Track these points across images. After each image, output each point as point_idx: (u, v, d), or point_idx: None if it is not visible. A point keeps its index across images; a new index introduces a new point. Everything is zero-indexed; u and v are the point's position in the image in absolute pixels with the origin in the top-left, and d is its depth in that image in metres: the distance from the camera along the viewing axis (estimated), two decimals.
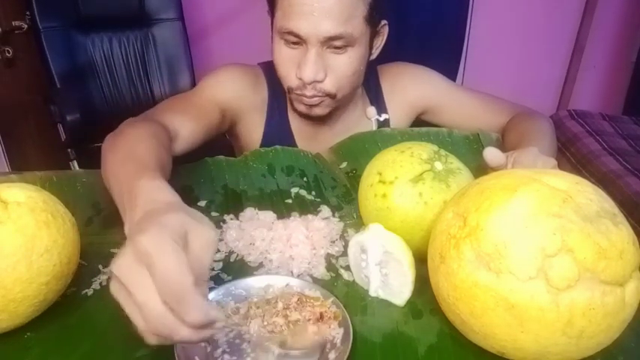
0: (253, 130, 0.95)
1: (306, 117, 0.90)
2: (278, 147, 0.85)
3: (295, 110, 0.89)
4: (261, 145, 0.94)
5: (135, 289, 0.39)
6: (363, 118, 0.97)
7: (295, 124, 0.95)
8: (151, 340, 0.41)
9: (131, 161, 0.56)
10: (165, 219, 0.41)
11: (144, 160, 0.57)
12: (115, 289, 0.41)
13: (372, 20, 0.80)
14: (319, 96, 0.82)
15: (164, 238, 0.39)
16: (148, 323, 0.40)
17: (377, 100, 0.98)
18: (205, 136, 0.83)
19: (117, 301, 0.40)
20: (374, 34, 0.84)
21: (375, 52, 0.88)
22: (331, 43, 0.77)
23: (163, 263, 0.38)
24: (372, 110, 0.97)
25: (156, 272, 0.38)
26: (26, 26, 1.58)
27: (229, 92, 0.89)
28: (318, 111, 0.86)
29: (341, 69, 0.80)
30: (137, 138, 0.63)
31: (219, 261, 0.62)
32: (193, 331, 0.39)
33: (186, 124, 0.78)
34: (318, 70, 0.78)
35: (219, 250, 0.64)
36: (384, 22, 0.86)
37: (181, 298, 0.38)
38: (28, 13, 1.54)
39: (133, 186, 0.49)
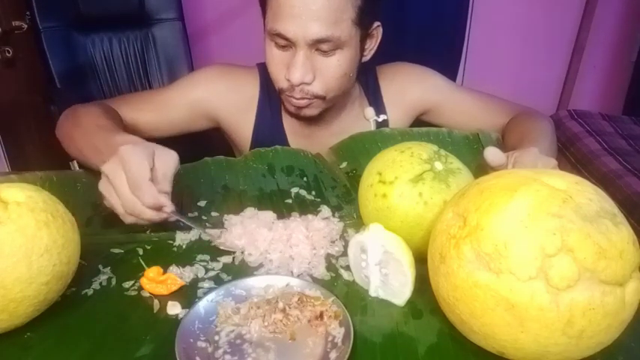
0: (241, 129, 0.95)
1: (296, 117, 0.90)
2: (278, 147, 0.85)
3: (286, 110, 0.90)
4: (252, 144, 0.95)
5: (115, 182, 0.59)
6: (361, 119, 0.97)
7: (289, 124, 0.95)
8: (128, 219, 0.61)
9: (101, 130, 0.72)
10: (138, 143, 0.61)
11: (111, 126, 0.74)
12: (101, 186, 0.61)
13: (362, 23, 0.80)
14: (307, 98, 0.82)
15: (135, 149, 0.59)
16: (124, 207, 0.60)
17: (375, 100, 0.97)
18: (170, 128, 0.90)
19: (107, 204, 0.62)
20: (365, 37, 0.84)
21: (368, 54, 0.88)
22: (319, 45, 0.77)
23: (129, 164, 0.58)
24: (370, 111, 0.96)
25: (125, 170, 0.58)
26: (26, 26, 1.57)
27: (202, 92, 0.92)
28: (308, 112, 0.86)
29: (329, 71, 0.80)
30: (97, 114, 0.78)
31: (219, 261, 0.62)
32: (154, 212, 0.60)
33: (143, 114, 0.89)
34: (306, 73, 0.79)
35: (218, 250, 0.64)
36: (377, 23, 0.85)
37: (138, 187, 0.58)
38: (28, 13, 1.54)
39: (110, 141, 0.65)
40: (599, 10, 2.10)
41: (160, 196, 0.60)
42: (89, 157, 0.71)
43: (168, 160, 0.62)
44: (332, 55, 0.79)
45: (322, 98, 0.83)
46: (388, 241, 0.53)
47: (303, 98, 0.82)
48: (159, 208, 0.60)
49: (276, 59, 0.81)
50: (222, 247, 0.64)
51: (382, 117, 0.97)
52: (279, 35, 0.77)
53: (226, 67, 0.95)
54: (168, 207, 0.61)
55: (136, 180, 0.58)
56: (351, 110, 0.96)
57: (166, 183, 0.62)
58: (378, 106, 0.97)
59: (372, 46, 0.88)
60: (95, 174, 0.75)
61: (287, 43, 0.78)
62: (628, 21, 2.17)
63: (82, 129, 0.76)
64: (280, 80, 0.82)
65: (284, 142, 0.95)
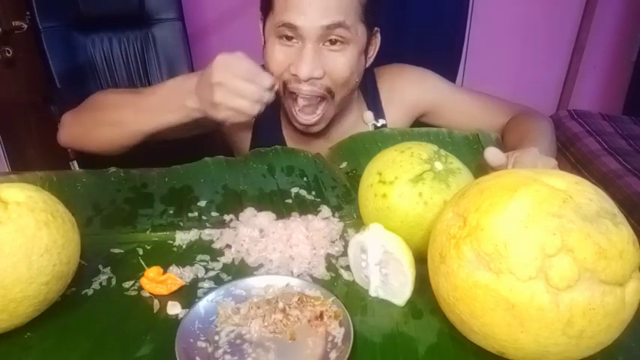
0: (240, 132, 0.95)
1: (303, 134, 0.89)
2: (278, 147, 0.85)
3: (293, 127, 0.88)
4: (250, 147, 0.94)
5: (232, 83, 0.68)
6: (360, 124, 0.96)
7: (288, 129, 0.94)
8: (254, 108, 0.71)
9: (140, 93, 0.79)
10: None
11: (141, 88, 0.82)
12: (219, 96, 0.68)
13: (367, 21, 0.80)
14: (318, 94, 0.81)
15: (227, 54, 0.69)
16: (251, 97, 0.69)
17: (374, 104, 0.96)
18: (169, 131, 0.86)
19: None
20: (369, 39, 0.84)
21: (369, 61, 0.88)
22: (328, 37, 0.77)
23: (235, 63, 0.69)
24: (369, 115, 0.96)
25: (235, 69, 0.68)
26: (26, 26, 1.57)
27: None
28: (316, 128, 0.86)
29: (338, 67, 0.79)
30: (114, 91, 0.86)
31: (219, 261, 0.62)
32: (269, 93, 0.71)
33: None
34: (315, 67, 0.77)
35: (218, 250, 0.64)
36: (376, 28, 0.85)
37: (256, 74, 0.70)
38: (28, 13, 1.54)
39: (165, 90, 0.77)
40: (599, 10, 2.09)
41: (269, 74, 0.72)
42: (140, 121, 0.77)
43: (242, 55, 0.70)
44: (340, 51, 0.79)
45: (332, 95, 0.82)
46: (388, 241, 0.53)
47: (314, 94, 0.80)
48: (272, 88, 0.71)
49: (280, 57, 0.79)
50: None
51: (381, 122, 0.96)
52: (287, 25, 0.76)
53: None
54: (277, 84, 0.74)
55: (251, 70, 0.69)
56: (350, 116, 0.95)
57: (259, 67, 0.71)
58: (377, 110, 0.96)
59: (372, 53, 0.88)
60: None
61: (294, 37, 0.77)
62: (628, 21, 2.17)
63: (111, 107, 0.80)
64: (284, 75, 0.80)
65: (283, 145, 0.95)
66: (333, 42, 0.78)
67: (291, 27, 0.76)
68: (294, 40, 0.78)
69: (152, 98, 0.77)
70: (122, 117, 0.78)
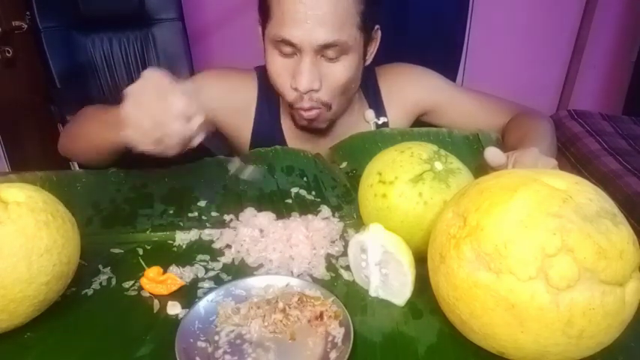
0: (239, 132, 0.95)
1: (307, 130, 0.89)
2: (278, 147, 0.85)
3: (297, 125, 0.89)
4: (250, 147, 0.94)
5: (142, 97, 0.58)
6: (361, 122, 0.96)
7: (288, 128, 0.94)
8: (155, 134, 0.58)
9: (108, 108, 0.71)
10: None
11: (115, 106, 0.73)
12: (126, 108, 0.58)
13: (365, 27, 0.80)
14: (316, 108, 0.81)
15: (156, 70, 0.60)
16: (153, 116, 0.57)
17: (375, 102, 0.97)
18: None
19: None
20: (367, 41, 0.84)
21: (369, 58, 0.88)
22: (325, 51, 0.77)
23: (155, 76, 0.59)
24: (370, 113, 0.96)
25: (151, 83, 0.59)
26: (26, 26, 1.58)
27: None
28: (317, 124, 0.86)
29: (336, 77, 0.79)
30: (97, 106, 0.80)
31: (219, 261, 0.62)
32: (181, 123, 0.58)
33: None
34: (314, 80, 0.77)
35: (218, 250, 0.64)
36: (377, 27, 0.85)
37: (169, 92, 0.58)
38: (28, 13, 1.54)
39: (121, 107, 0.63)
40: (599, 10, 2.09)
41: (191, 102, 0.59)
42: (106, 135, 0.69)
43: (183, 82, 0.62)
44: (338, 60, 0.78)
45: (329, 107, 0.82)
46: (388, 241, 0.53)
47: (311, 109, 0.81)
48: (188, 119, 0.59)
49: (280, 68, 0.80)
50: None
51: (382, 119, 0.96)
52: (285, 41, 0.76)
53: (223, 71, 0.95)
54: (199, 117, 0.60)
55: (165, 85, 0.58)
56: (351, 115, 0.95)
57: (194, 98, 0.60)
58: (378, 108, 0.96)
59: (372, 50, 0.87)
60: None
61: (292, 50, 0.77)
62: (628, 21, 2.17)
63: (88, 120, 0.78)
64: (288, 92, 0.81)
65: (283, 145, 0.94)
66: (331, 54, 0.78)
67: (288, 43, 0.76)
68: (292, 53, 0.78)
69: (115, 113, 0.66)
70: (93, 130, 0.75)
